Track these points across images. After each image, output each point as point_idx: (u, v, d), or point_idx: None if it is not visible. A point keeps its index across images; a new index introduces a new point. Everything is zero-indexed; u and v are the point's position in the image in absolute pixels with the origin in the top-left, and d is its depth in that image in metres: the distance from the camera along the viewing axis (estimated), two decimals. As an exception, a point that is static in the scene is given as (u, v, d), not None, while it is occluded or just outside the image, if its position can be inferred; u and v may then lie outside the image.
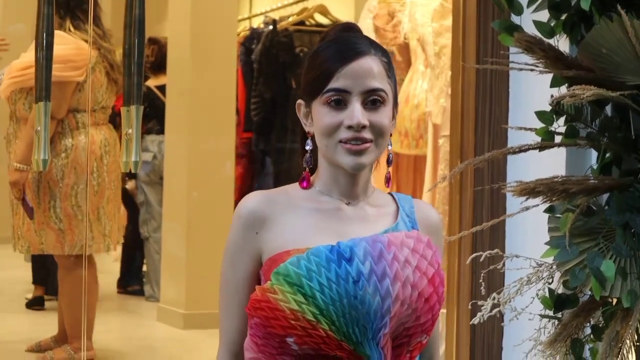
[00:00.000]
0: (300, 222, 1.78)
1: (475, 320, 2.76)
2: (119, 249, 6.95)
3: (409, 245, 1.75)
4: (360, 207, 1.82)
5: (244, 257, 1.80)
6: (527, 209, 2.70)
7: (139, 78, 3.17)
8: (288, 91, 6.44)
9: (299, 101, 1.85)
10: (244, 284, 1.79)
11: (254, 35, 6.97)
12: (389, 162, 1.88)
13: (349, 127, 1.74)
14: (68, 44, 4.87)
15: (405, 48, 4.61)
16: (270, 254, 1.76)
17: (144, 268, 7.48)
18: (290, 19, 6.91)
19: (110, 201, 5.09)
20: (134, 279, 7.54)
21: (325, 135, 1.77)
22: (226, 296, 1.83)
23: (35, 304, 6.63)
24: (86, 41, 4.89)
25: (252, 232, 1.78)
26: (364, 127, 1.74)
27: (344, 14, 6.77)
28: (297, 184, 1.85)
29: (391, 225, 1.80)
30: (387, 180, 1.90)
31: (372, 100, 1.76)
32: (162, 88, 6.83)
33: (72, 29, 4.96)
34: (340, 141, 1.75)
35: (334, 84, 1.74)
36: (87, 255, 5.04)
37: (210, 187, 6.16)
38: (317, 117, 1.79)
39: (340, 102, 1.75)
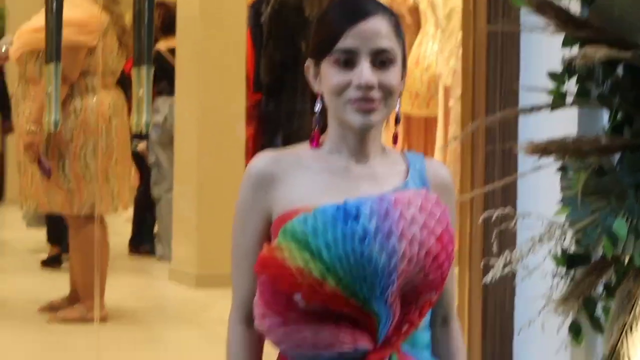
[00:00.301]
0: (308, 182, 1.78)
1: (488, 279, 2.80)
2: (131, 210, 7.04)
3: (416, 204, 1.72)
4: (370, 166, 1.81)
5: (254, 217, 1.80)
6: (539, 168, 2.72)
7: (149, 39, 3.22)
8: (297, 53, 6.35)
9: (308, 62, 1.84)
10: (254, 244, 1.79)
11: None
12: (397, 121, 1.87)
13: (358, 87, 1.73)
14: (82, 8, 4.91)
15: (415, 10, 4.64)
16: (279, 213, 1.77)
17: (156, 229, 7.57)
18: None
19: (119, 162, 5.14)
20: (145, 239, 7.59)
21: (335, 94, 1.76)
22: (237, 256, 1.84)
23: (51, 262, 6.72)
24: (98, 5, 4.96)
25: (262, 191, 1.78)
26: (372, 86, 1.73)
27: None
28: (307, 143, 1.86)
29: (401, 184, 1.80)
30: (395, 138, 1.90)
31: (381, 60, 1.75)
32: (172, 51, 6.87)
33: None
34: (349, 100, 1.74)
35: (342, 44, 1.74)
36: (93, 217, 5.11)
37: (221, 148, 6.17)
38: (326, 77, 1.78)
39: (348, 62, 1.74)
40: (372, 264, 1.66)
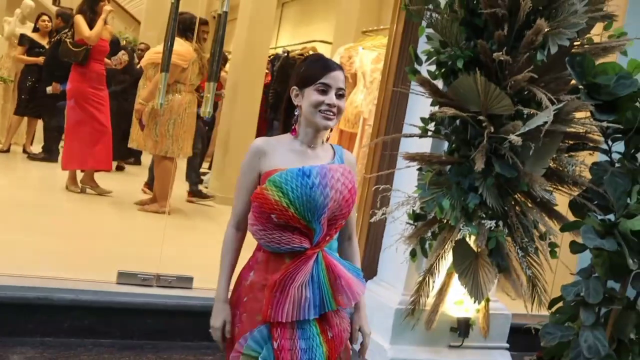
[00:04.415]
0: (282, 156, 1.79)
1: (372, 219, 3.04)
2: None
3: (340, 172, 1.78)
4: (315, 150, 1.83)
5: (250, 172, 1.81)
6: (408, 166, 2.91)
7: (217, 68, 3.37)
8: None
9: (294, 87, 1.83)
10: (248, 186, 1.81)
11: (276, 57, 7.14)
12: (331, 130, 1.88)
13: (328, 105, 1.77)
14: (184, 47, 5.10)
15: (354, 75, 4.71)
16: (265, 170, 1.79)
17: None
18: (296, 52, 7.02)
19: (186, 132, 5.28)
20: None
21: (314, 107, 1.77)
22: (238, 191, 1.85)
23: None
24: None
25: (256, 158, 1.80)
26: (334, 106, 1.77)
27: (325, 52, 6.65)
28: (288, 134, 1.84)
29: (330, 161, 1.83)
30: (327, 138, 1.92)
31: (339, 94, 1.79)
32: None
33: (185, 38, 5.18)
34: (321, 111, 1.77)
35: (324, 80, 1.78)
36: (172, 157, 5.22)
37: (241, 128, 6.22)
38: (309, 97, 1.78)
39: (324, 91, 1.77)
40: (315, 202, 1.72)
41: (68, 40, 5.38)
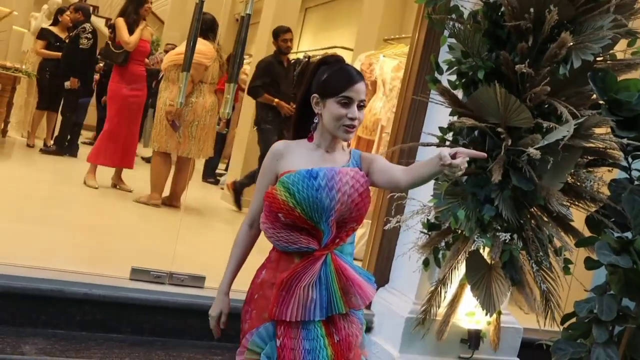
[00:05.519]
0: (299, 158, 1.82)
1: (386, 227, 3.02)
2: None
3: (351, 175, 1.79)
4: (333, 155, 1.85)
5: (268, 173, 1.85)
6: None
7: (238, 70, 3.41)
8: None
9: (314, 95, 1.83)
10: (264, 187, 1.84)
11: (297, 62, 7.20)
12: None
13: (350, 118, 1.78)
14: (207, 46, 5.17)
15: (374, 83, 4.68)
16: (281, 172, 1.82)
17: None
18: (317, 57, 7.10)
19: (207, 133, 5.33)
20: (210, 174, 7.67)
21: (335, 120, 1.79)
22: (256, 190, 1.89)
23: None
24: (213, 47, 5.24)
25: (275, 160, 1.84)
26: (356, 119, 1.79)
27: (346, 59, 6.78)
28: (305, 139, 1.87)
29: (345, 164, 1.84)
30: (348, 144, 1.95)
31: (360, 105, 1.80)
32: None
33: (207, 39, 5.23)
34: (343, 124, 1.79)
35: (346, 93, 1.78)
36: (189, 158, 5.31)
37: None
38: (331, 109, 1.79)
39: (346, 104, 1.78)
40: (322, 204, 1.74)
41: (109, 42, 5.49)
